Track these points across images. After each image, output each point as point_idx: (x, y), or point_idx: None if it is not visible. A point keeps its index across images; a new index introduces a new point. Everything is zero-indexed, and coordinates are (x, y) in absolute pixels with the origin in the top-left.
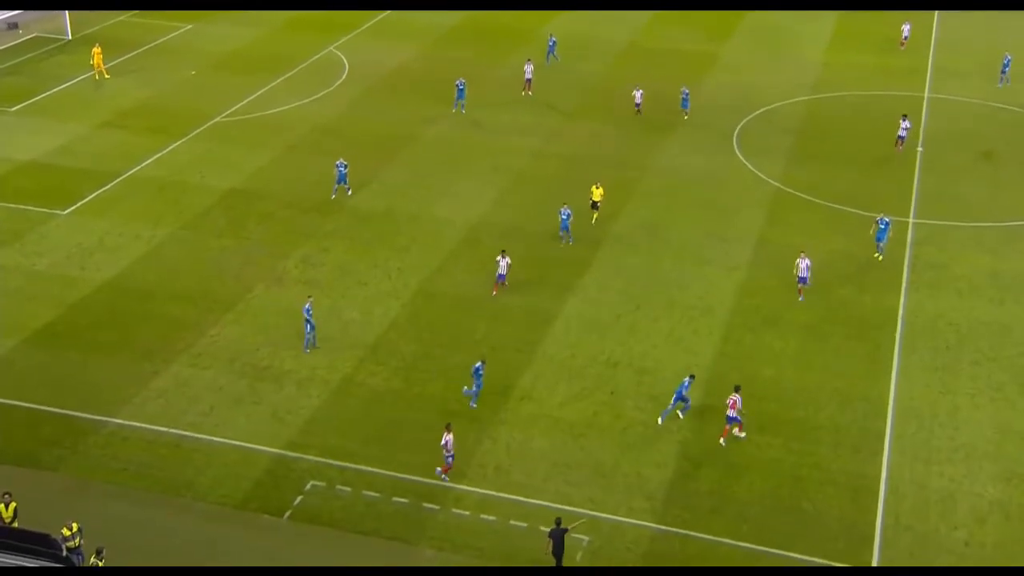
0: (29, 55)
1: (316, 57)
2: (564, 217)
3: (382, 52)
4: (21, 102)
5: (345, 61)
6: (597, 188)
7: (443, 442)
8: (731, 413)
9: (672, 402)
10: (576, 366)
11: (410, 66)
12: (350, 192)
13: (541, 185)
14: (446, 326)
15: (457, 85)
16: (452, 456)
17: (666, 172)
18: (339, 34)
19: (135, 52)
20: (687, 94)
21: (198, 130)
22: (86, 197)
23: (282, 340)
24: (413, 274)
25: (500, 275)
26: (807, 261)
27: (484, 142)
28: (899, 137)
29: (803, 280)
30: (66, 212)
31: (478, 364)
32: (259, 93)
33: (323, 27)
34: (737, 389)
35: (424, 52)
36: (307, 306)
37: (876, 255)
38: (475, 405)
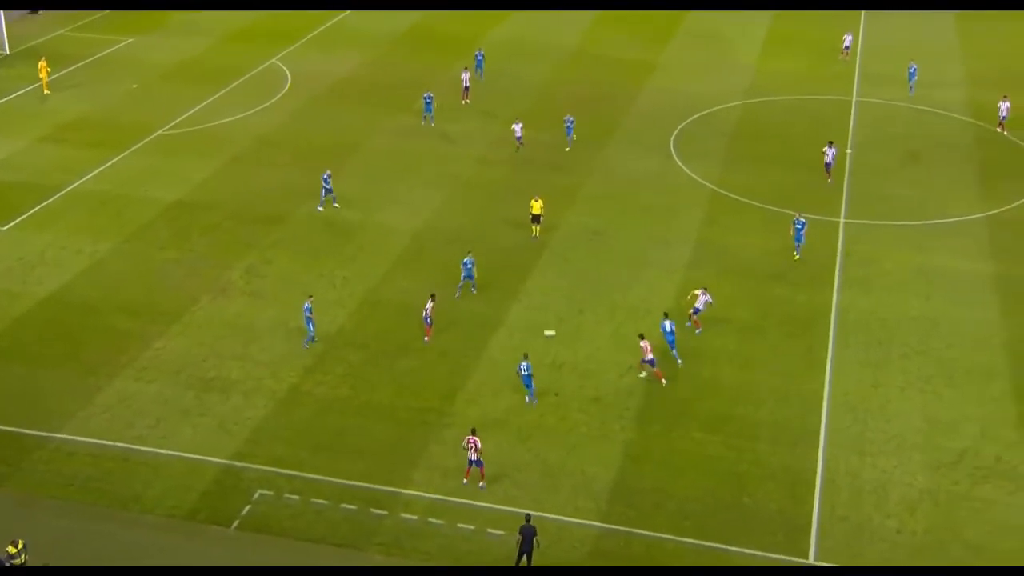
0: None
1: (259, 68)
2: (467, 267)
3: (326, 62)
4: None
5: (287, 72)
6: (536, 201)
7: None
8: (648, 356)
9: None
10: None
11: (355, 75)
12: (336, 205)
13: (486, 191)
14: (392, 333)
15: (425, 99)
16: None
17: (607, 177)
18: (283, 45)
19: (76, 66)
20: (571, 123)
21: (141, 143)
22: (27, 211)
23: (228, 351)
24: (359, 282)
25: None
26: (707, 297)
27: (430, 150)
28: (826, 164)
29: (696, 311)
30: (6, 227)
31: (521, 364)
32: (202, 105)
33: (267, 38)
34: (642, 336)
35: (370, 61)
36: (307, 304)
37: (795, 255)
38: (534, 401)
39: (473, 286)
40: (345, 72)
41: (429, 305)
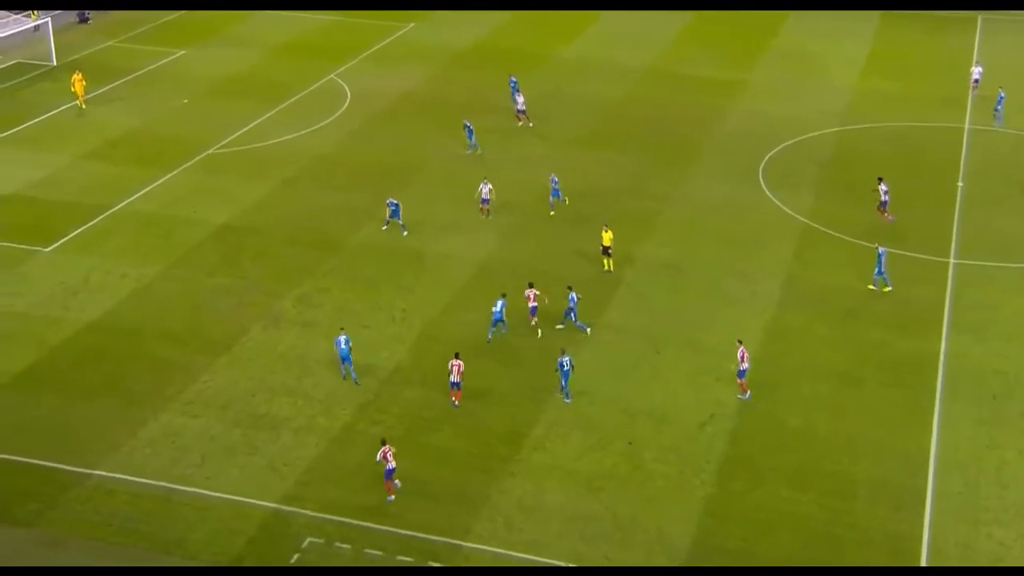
0: (11, 82)
1: (316, 85)
2: (497, 310)
3: (387, 78)
4: (1, 132)
5: (346, 89)
6: (607, 232)
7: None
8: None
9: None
10: (592, 414)
11: (417, 93)
12: (405, 233)
13: (556, 219)
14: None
15: (466, 126)
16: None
17: (688, 205)
18: (342, 60)
19: (124, 79)
20: (556, 183)
21: (190, 162)
22: (70, 233)
23: (278, 386)
24: (418, 315)
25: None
26: (745, 351)
27: (493, 174)
28: (882, 203)
29: (742, 373)
30: (49, 249)
31: (562, 359)
32: (256, 122)
33: (325, 52)
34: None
35: (432, 77)
36: (340, 338)
37: (884, 288)
38: (569, 399)
39: (504, 327)
40: (406, 89)
41: (454, 365)
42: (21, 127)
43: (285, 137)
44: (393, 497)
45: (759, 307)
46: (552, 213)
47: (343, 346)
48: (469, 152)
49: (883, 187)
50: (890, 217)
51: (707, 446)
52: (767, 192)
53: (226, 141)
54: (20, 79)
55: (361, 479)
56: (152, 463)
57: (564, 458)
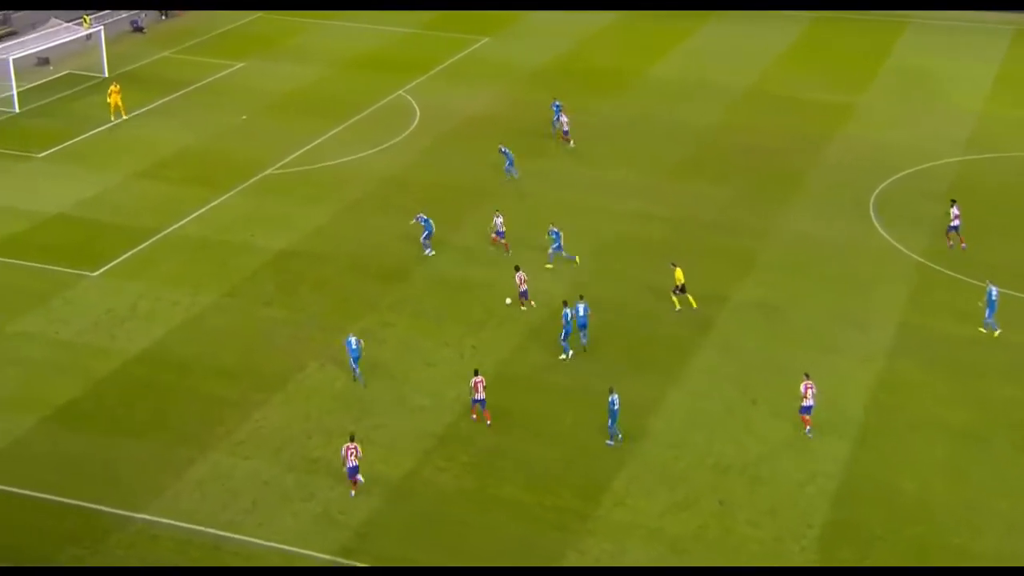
0: (60, 94)
1: (384, 101)
2: (582, 313)
3: (460, 96)
4: (50, 147)
5: (416, 106)
6: (675, 268)
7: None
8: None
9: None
10: (679, 469)
11: (492, 112)
12: (431, 252)
13: (641, 253)
14: (526, 416)
15: (501, 151)
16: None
17: (789, 241)
18: (411, 75)
19: (179, 93)
20: (557, 232)
21: (248, 183)
22: (119, 257)
23: (337, 428)
24: (489, 354)
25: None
26: (811, 386)
27: (577, 200)
28: (951, 227)
29: (807, 409)
30: (96, 273)
31: (612, 397)
32: (318, 141)
33: (394, 67)
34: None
35: (508, 96)
36: (350, 339)
37: (993, 332)
38: (618, 438)
39: (584, 336)
40: (481, 108)
41: (476, 382)
42: (70, 142)
43: (349, 157)
44: (354, 493)
45: (868, 356)
46: (548, 266)
47: (353, 347)
48: (505, 179)
49: (955, 210)
50: (961, 244)
51: (808, 509)
52: (878, 228)
53: (285, 161)
54: (70, 91)
55: (424, 533)
56: (200, 507)
57: (647, 516)
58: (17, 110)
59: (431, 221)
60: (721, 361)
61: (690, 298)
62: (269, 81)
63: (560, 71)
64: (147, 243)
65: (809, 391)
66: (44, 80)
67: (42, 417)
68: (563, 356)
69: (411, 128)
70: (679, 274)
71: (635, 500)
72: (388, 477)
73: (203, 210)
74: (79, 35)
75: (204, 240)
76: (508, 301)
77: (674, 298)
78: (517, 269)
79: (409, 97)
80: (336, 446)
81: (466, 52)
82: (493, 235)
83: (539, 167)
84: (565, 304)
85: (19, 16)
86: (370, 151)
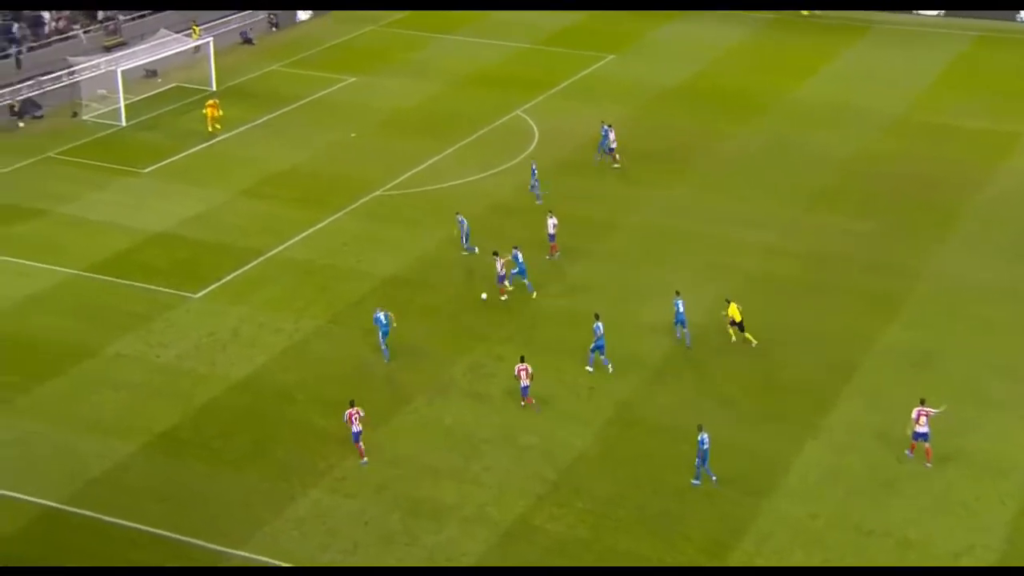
0: (167, 107)
1: (500, 121)
2: (678, 311)
3: (582, 117)
4: (155, 162)
5: (534, 127)
6: (730, 304)
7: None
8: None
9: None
10: (816, 529)
11: (616, 135)
12: (475, 250)
13: (774, 291)
14: (647, 463)
15: (533, 170)
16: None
17: (940, 282)
18: (530, 94)
19: (287, 108)
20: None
21: (356, 204)
22: (222, 278)
23: (444, 466)
24: (608, 395)
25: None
26: (926, 412)
27: (705, 232)
28: None
29: (923, 436)
30: (198, 295)
31: (702, 436)
32: (430, 162)
33: (512, 84)
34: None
35: (634, 118)
36: (379, 314)
37: None
38: (698, 481)
39: (686, 336)
40: (601, 130)
41: (521, 369)
42: (175, 157)
43: (462, 180)
44: (366, 460)
45: None
46: (530, 295)
47: (383, 322)
48: (539, 203)
49: None
50: None
51: None
52: None
53: (396, 182)
54: (177, 104)
55: None
56: (299, 547)
57: None
58: (124, 123)
59: (466, 221)
60: (864, 412)
61: (748, 335)
62: (380, 97)
63: (689, 91)
64: (250, 265)
65: (923, 417)
66: (151, 93)
67: (140, 444)
68: (589, 368)
69: (528, 150)
70: (734, 309)
71: (767, 561)
72: (498, 521)
73: (309, 232)
74: (187, 46)
75: (309, 263)
76: (484, 296)
77: (730, 330)
78: (496, 255)
79: (527, 117)
80: (442, 487)
81: (589, 70)
82: (552, 244)
83: (664, 195)
84: (597, 317)
85: (129, 26)
86: (484, 174)
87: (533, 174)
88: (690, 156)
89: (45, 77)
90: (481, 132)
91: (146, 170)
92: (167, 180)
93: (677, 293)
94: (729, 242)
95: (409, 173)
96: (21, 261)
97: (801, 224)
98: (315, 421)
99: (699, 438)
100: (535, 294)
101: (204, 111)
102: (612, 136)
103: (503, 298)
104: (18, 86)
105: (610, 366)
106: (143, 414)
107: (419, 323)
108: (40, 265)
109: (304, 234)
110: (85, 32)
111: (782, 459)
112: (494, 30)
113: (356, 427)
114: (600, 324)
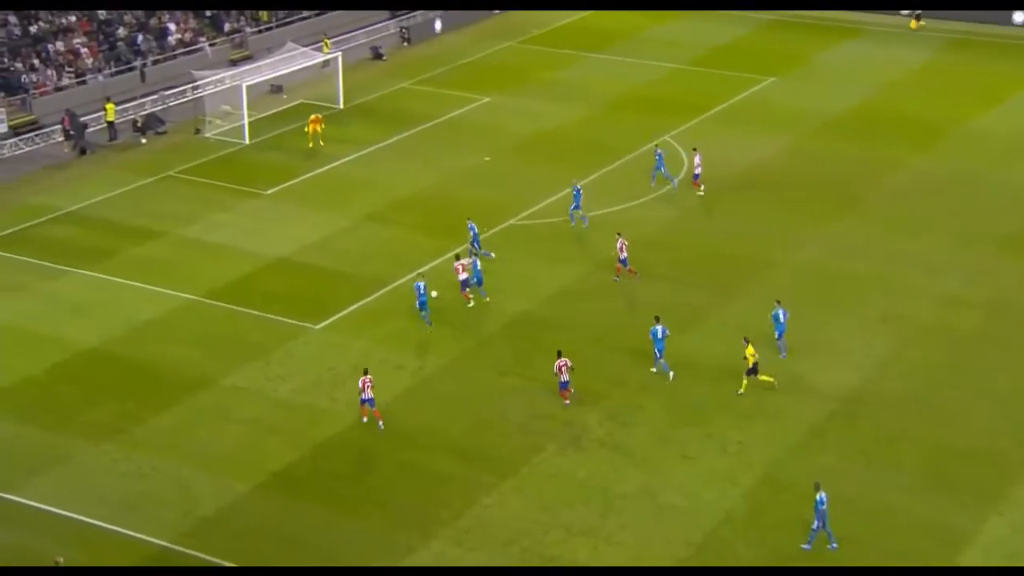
0: (292, 126)
1: (645, 147)
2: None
3: (735, 144)
4: (277, 183)
5: (683, 154)
6: (748, 345)
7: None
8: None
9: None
10: None
11: (773, 164)
12: (492, 255)
13: (950, 345)
14: (801, 530)
15: (574, 189)
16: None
17: None
18: (679, 118)
19: (417, 128)
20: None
21: (487, 233)
22: (344, 309)
23: (576, 523)
24: (759, 451)
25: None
26: None
27: (869, 275)
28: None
29: None
30: (319, 326)
31: (818, 496)
32: (569, 190)
33: (658, 108)
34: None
35: (794, 146)
36: (419, 284)
37: None
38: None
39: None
40: (759, 159)
41: (561, 364)
42: (299, 179)
43: (604, 210)
44: (382, 424)
45: None
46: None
47: (422, 292)
48: (572, 225)
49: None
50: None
51: None
52: None
53: (532, 210)
54: (302, 122)
55: None
56: None
57: None
58: (247, 141)
59: (475, 226)
60: None
61: (763, 378)
62: (517, 119)
63: (860, 119)
64: (374, 295)
65: None
66: (276, 110)
67: (254, 483)
68: (653, 369)
69: (677, 179)
70: (751, 351)
71: None
72: None
73: (436, 262)
74: (315, 61)
75: (438, 297)
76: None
77: (744, 380)
78: (457, 258)
79: (676, 144)
80: (575, 545)
81: (746, 93)
82: (617, 264)
83: (828, 232)
84: (657, 320)
85: (255, 39)
86: (628, 204)
87: (576, 196)
88: (858, 189)
89: (169, 92)
90: (625, 159)
91: (268, 191)
92: (289, 202)
93: (777, 301)
94: (901, 287)
95: (546, 201)
96: (140, 284)
97: (985, 269)
98: (438, 466)
99: (817, 498)
100: (488, 299)
101: (307, 127)
102: (698, 160)
103: (470, 304)
104: (141, 100)
105: (671, 373)
106: (258, 451)
107: (551, 364)
108: (159, 289)
109: (431, 264)
110: (211, 45)
111: (961, 535)
112: (644, 49)
113: (367, 394)
114: (659, 328)
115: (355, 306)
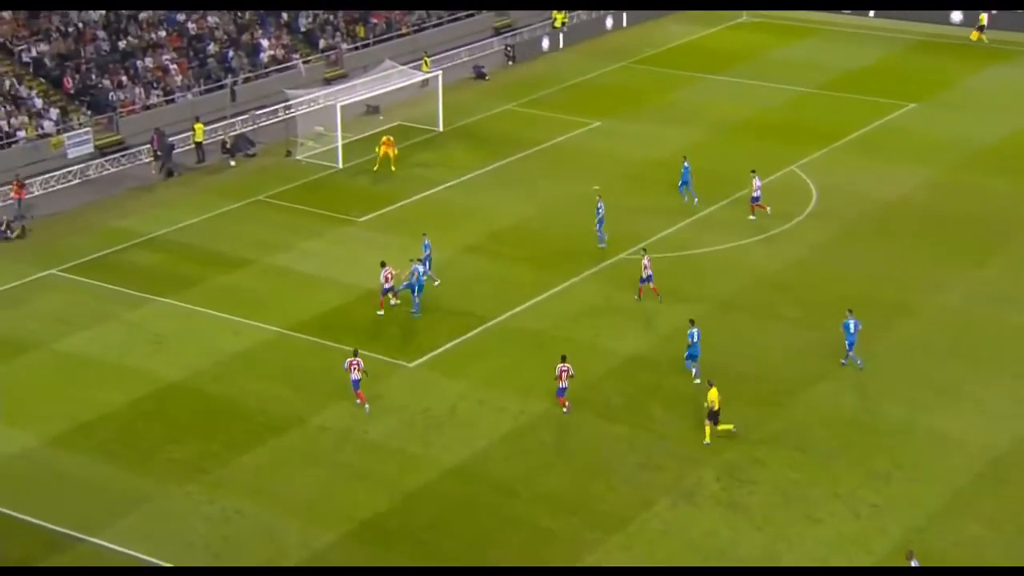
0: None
1: (770, 178)
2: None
3: (870, 176)
4: (372, 210)
5: (812, 186)
6: (712, 388)
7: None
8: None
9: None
10: None
11: (913, 200)
12: (437, 283)
13: None
14: None
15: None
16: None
17: None
18: (808, 146)
19: (521, 153)
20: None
21: (595, 268)
22: (440, 347)
23: None
24: (896, 516)
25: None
26: None
27: (1020, 323)
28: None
29: None
30: (413, 364)
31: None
32: (685, 222)
33: (785, 134)
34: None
35: (935, 181)
36: (417, 267)
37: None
38: None
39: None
40: (897, 193)
41: (562, 369)
42: (395, 206)
43: (723, 245)
44: (368, 407)
45: None
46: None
47: (420, 276)
48: (602, 246)
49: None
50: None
51: None
52: None
53: (643, 244)
54: (400, 145)
55: None
56: None
57: None
58: (340, 165)
59: (430, 243)
60: None
61: (722, 427)
62: (629, 145)
63: (1011, 151)
64: (473, 332)
65: None
66: (372, 131)
67: (342, 532)
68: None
69: (804, 214)
70: (714, 395)
71: None
72: None
73: (540, 297)
74: (413, 80)
75: (540, 335)
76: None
77: (706, 428)
78: (383, 265)
79: (803, 174)
80: None
81: (883, 120)
82: (641, 285)
83: (975, 275)
84: (692, 323)
85: (351, 56)
86: (749, 239)
87: (599, 212)
88: (1008, 228)
89: (260, 111)
90: (746, 191)
91: (362, 218)
92: (384, 231)
93: (849, 311)
94: None
95: (660, 234)
96: (225, 315)
97: None
98: (540, 520)
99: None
100: (419, 315)
101: (376, 148)
102: (758, 184)
103: (380, 312)
104: (231, 120)
105: (697, 377)
106: (347, 497)
107: (665, 412)
108: (245, 320)
109: (535, 300)
110: (304, 62)
111: None
112: (768, 71)
113: (355, 375)
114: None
115: (452, 343)
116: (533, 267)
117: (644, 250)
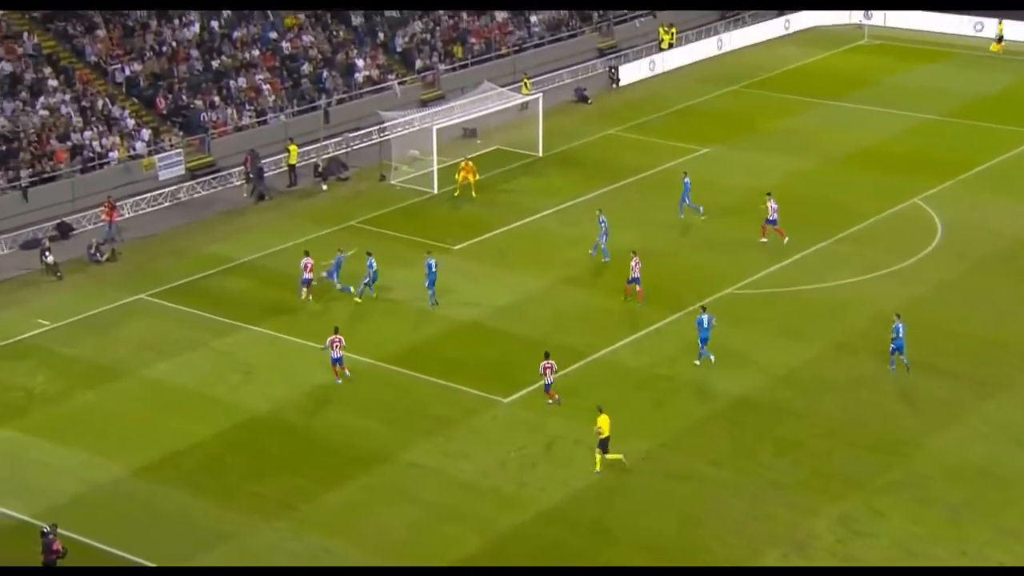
0: (486, 174)
1: (891, 211)
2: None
3: (999, 211)
4: (468, 238)
5: (937, 220)
6: (602, 415)
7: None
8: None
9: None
10: None
11: None
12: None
13: None
14: None
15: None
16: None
17: None
18: (933, 178)
19: (625, 181)
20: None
21: (702, 302)
22: (537, 381)
23: None
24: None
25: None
26: None
27: None
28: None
29: None
30: (508, 399)
31: None
32: (797, 256)
33: (908, 165)
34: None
35: None
36: (430, 261)
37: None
38: None
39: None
40: None
41: (546, 366)
42: (491, 233)
43: (839, 281)
44: (340, 380)
45: None
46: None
47: (433, 270)
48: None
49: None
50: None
51: None
52: None
53: (753, 279)
54: (497, 171)
55: None
56: None
57: None
58: (435, 191)
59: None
60: None
61: (612, 456)
62: (736, 173)
63: None
64: (571, 368)
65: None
66: (469, 156)
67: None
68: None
69: (928, 249)
70: (604, 422)
71: None
72: None
73: (643, 332)
74: (513, 103)
75: (638, 371)
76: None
77: (596, 457)
78: (307, 254)
79: (928, 208)
80: None
81: (1015, 152)
82: (627, 286)
83: None
84: (704, 309)
85: (448, 77)
86: (867, 275)
87: (602, 225)
88: None
89: (354, 134)
90: (865, 224)
91: (457, 246)
92: (480, 260)
93: (896, 315)
94: None
95: (769, 269)
96: (315, 345)
97: None
98: (637, 563)
99: None
100: (358, 299)
101: (457, 174)
102: (773, 206)
103: (301, 297)
104: (324, 143)
105: (712, 357)
106: (437, 537)
107: (774, 459)
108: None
109: (636, 335)
110: (400, 83)
111: None
112: (889, 96)
113: (336, 353)
114: (705, 316)
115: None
116: (655, 304)
117: (633, 252)
